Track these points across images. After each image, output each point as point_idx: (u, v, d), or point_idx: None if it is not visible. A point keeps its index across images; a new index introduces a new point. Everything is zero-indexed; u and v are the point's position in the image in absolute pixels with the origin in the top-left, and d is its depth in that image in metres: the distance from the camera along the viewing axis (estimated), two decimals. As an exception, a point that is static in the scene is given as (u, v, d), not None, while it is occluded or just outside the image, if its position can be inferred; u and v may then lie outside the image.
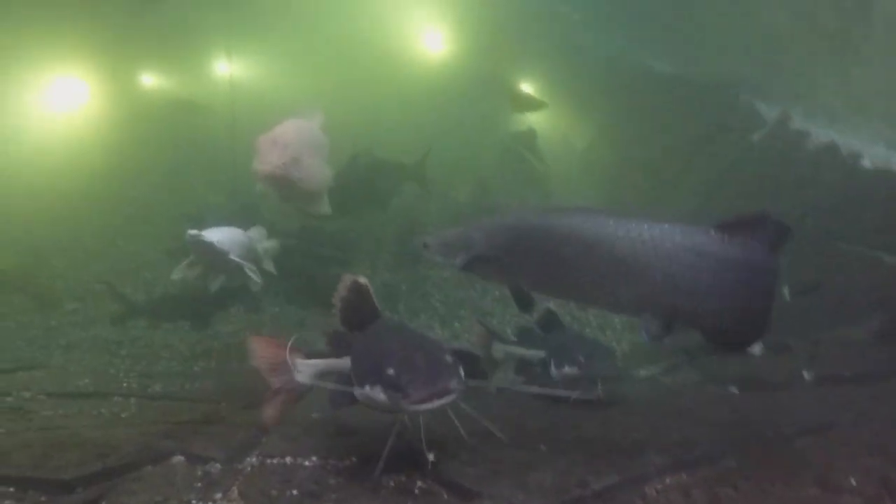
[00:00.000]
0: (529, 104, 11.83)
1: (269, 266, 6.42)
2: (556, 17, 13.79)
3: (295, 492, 3.16)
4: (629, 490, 3.15)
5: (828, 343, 5.34)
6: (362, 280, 3.56)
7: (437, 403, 2.85)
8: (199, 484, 3.39)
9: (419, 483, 3.20)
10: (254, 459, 3.66)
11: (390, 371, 2.90)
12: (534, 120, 12.71)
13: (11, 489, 3.37)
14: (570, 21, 13.72)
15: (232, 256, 5.62)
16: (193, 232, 5.34)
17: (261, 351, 3.72)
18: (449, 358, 3.01)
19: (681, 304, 3.25)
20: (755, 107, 8.82)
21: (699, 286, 3.18)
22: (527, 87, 12.35)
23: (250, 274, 5.89)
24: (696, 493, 3.02)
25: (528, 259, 3.58)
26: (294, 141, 5.09)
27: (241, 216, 6.38)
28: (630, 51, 12.20)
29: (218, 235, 5.57)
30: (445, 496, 3.11)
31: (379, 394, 2.94)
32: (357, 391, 3.14)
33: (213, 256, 5.53)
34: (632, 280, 3.25)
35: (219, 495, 3.23)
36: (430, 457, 3.58)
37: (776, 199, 7.16)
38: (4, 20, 11.23)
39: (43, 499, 3.28)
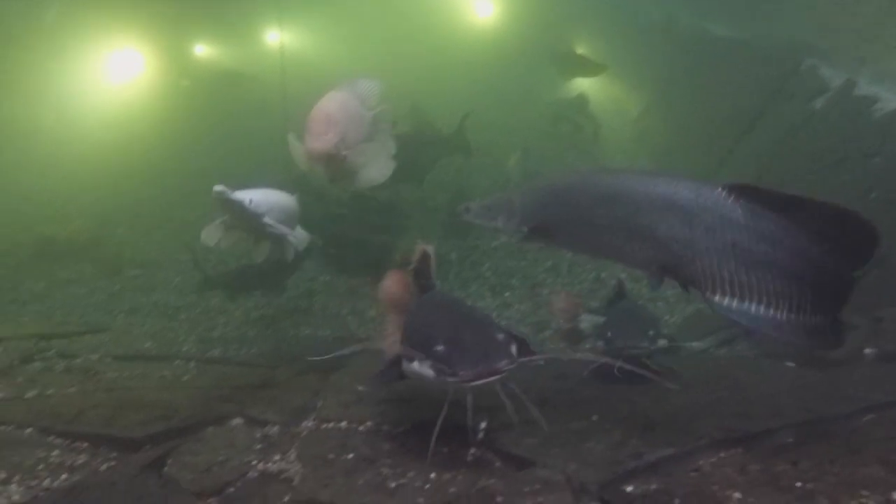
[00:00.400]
0: (586, 68, 11.53)
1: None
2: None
3: (351, 456, 3.24)
4: (684, 463, 3.13)
5: (891, 319, 5.16)
6: (428, 249, 3.60)
7: (485, 382, 2.80)
8: (259, 446, 3.52)
9: (472, 451, 3.24)
10: (310, 424, 3.77)
11: (440, 347, 2.86)
12: (585, 86, 12.46)
13: (86, 445, 3.57)
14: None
15: (268, 220, 5.08)
16: (220, 188, 4.71)
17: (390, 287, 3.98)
18: (500, 335, 2.97)
19: (679, 261, 3.28)
20: (818, 72, 8.44)
21: (696, 243, 3.18)
22: (582, 51, 12.00)
23: (292, 240, 5.38)
24: (752, 468, 2.98)
25: (560, 219, 3.76)
26: (343, 118, 4.72)
27: (292, 185, 6.14)
28: (686, 13, 11.80)
29: (253, 195, 4.99)
30: (498, 464, 3.15)
31: (427, 370, 2.90)
32: (405, 365, 3.10)
33: (245, 219, 4.99)
34: (641, 236, 3.35)
35: (277, 457, 3.35)
36: (482, 425, 3.63)
37: (840, 170, 6.87)
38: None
39: (114, 455, 3.46)
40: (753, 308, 3.15)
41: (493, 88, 12.87)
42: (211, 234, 5.12)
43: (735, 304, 3.18)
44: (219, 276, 7.18)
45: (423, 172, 7.77)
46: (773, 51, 9.10)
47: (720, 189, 3.14)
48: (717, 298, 3.19)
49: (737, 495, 2.77)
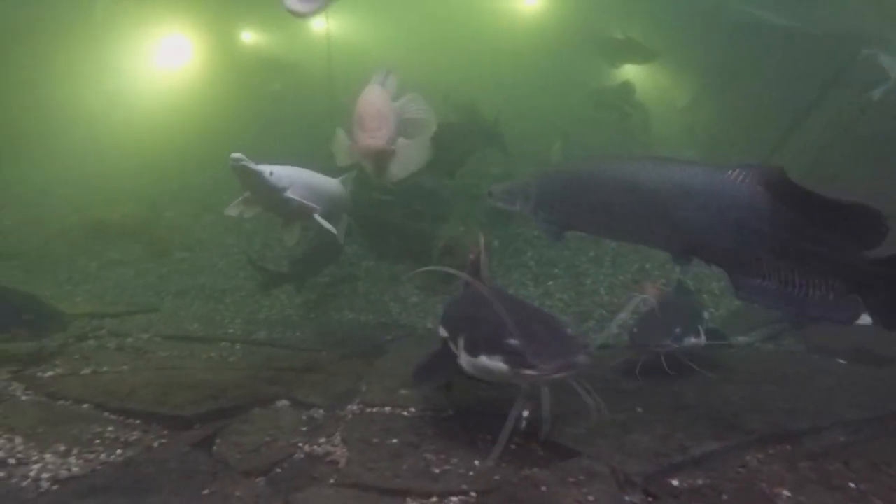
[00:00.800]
0: (637, 54, 11.28)
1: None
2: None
3: (395, 440, 3.28)
4: (730, 458, 3.09)
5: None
6: (475, 245, 3.55)
7: (563, 375, 2.73)
8: (304, 428, 3.58)
9: (516, 439, 3.25)
10: (355, 408, 3.82)
11: (512, 341, 2.76)
12: (630, 74, 12.25)
13: (138, 422, 3.68)
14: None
15: (290, 195, 4.79)
16: (236, 155, 4.47)
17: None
18: (568, 328, 2.93)
19: (696, 241, 3.40)
20: (877, 60, 8.16)
21: (709, 224, 3.28)
22: (632, 37, 11.72)
23: (320, 221, 5.07)
24: (802, 466, 2.93)
25: (576, 204, 3.90)
26: (390, 113, 4.64)
27: (338, 172, 6.09)
28: (737, 1, 11.49)
29: (276, 169, 4.75)
30: (541, 453, 3.15)
31: (500, 364, 2.80)
32: (466, 360, 3.00)
33: (265, 193, 4.74)
34: (660, 220, 3.45)
35: (323, 440, 3.41)
36: (525, 413, 3.62)
37: (897, 160, 6.65)
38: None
39: (165, 432, 3.56)
40: (772, 286, 3.20)
41: (538, 75, 12.77)
42: (233, 209, 5.00)
43: (756, 282, 3.24)
44: (281, 271, 7.23)
45: (454, 165, 7.63)
46: (828, 39, 8.83)
47: (733, 172, 3.19)
48: (736, 277, 3.30)
49: (786, 493, 2.73)
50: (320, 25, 13.57)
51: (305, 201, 4.88)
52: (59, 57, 11.89)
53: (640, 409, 3.69)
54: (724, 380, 4.19)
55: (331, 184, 5.41)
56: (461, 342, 3.08)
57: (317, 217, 5.06)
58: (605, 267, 7.38)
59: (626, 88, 11.21)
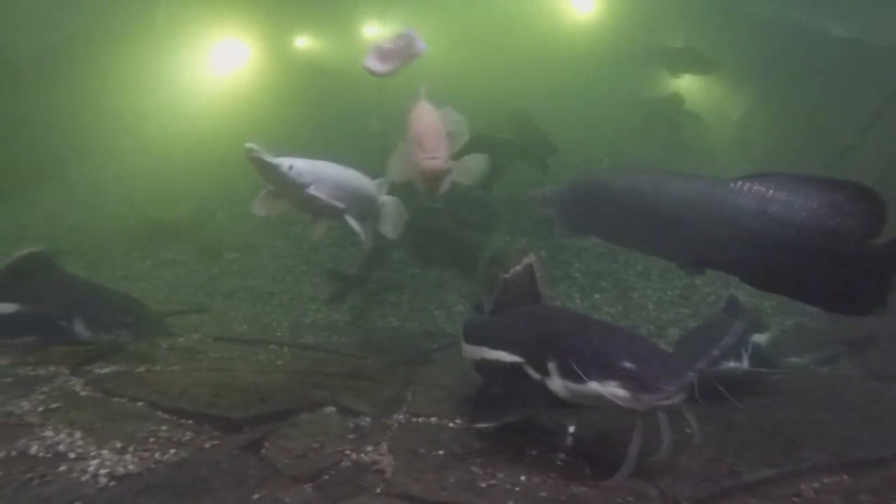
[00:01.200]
0: (698, 65, 11.09)
1: (388, 229, 5.42)
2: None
3: (441, 452, 3.28)
4: (784, 486, 3.02)
5: None
6: (532, 258, 3.47)
7: (680, 399, 2.64)
8: (352, 436, 3.61)
9: (562, 455, 3.22)
10: (401, 417, 3.84)
11: (627, 364, 2.65)
12: (683, 85, 12.06)
13: (190, 422, 3.76)
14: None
15: (313, 192, 4.60)
16: (251, 145, 4.33)
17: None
18: (668, 349, 2.90)
19: (703, 252, 3.53)
20: (946, 74, 7.89)
21: (714, 235, 3.38)
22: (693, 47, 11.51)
23: (351, 222, 4.88)
24: (862, 499, 2.83)
25: (594, 213, 4.10)
26: (444, 131, 4.50)
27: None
28: (798, 12, 11.23)
29: (297, 163, 4.57)
30: (588, 471, 3.12)
31: (615, 390, 2.67)
32: (566, 386, 2.85)
33: (286, 188, 4.61)
34: (665, 230, 3.60)
35: (370, 448, 3.43)
36: (571, 429, 3.60)
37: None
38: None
39: (216, 433, 3.63)
40: (781, 286, 3.36)
41: (590, 85, 12.69)
42: (258, 206, 4.88)
43: (764, 283, 3.40)
44: (350, 278, 7.32)
45: (491, 178, 7.33)
46: (893, 52, 8.55)
47: (736, 183, 3.30)
48: (747, 281, 3.42)
49: (845, 526, 2.65)
50: (374, 33, 13.84)
51: (332, 200, 4.69)
52: (119, 62, 12.35)
53: (689, 431, 3.61)
54: (778, 403, 4.09)
55: (363, 182, 5.17)
56: (553, 367, 2.91)
57: (348, 218, 4.90)
58: (653, 281, 7.27)
59: (675, 100, 11.07)
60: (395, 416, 3.86)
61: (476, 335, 3.69)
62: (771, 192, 3.20)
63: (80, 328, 4.50)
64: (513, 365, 3.15)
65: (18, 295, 4.71)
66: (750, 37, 12.09)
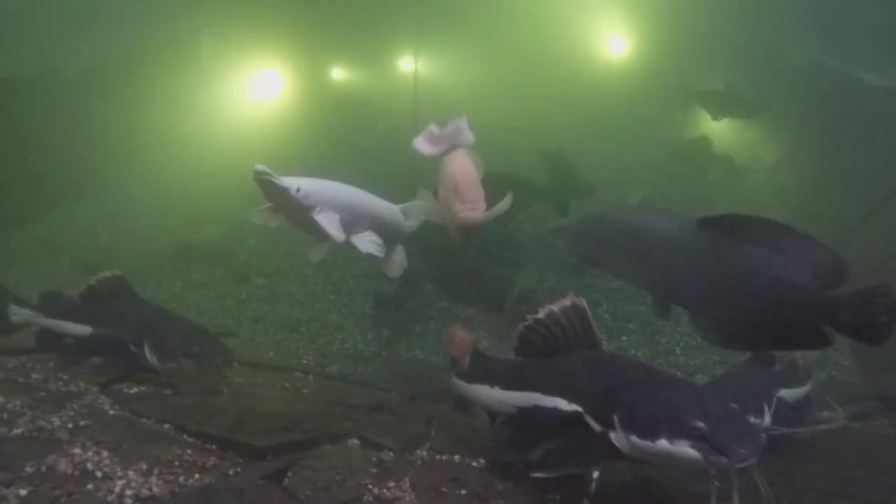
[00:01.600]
0: (740, 108, 11.01)
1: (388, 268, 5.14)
2: (747, 21, 13.05)
3: (463, 492, 3.25)
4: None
5: None
6: (580, 302, 3.28)
7: (753, 462, 2.54)
8: (374, 470, 3.59)
9: (586, 502, 3.17)
10: (424, 453, 3.82)
11: (700, 424, 2.54)
12: (715, 129, 12.03)
13: (214, 447, 3.77)
14: (762, 26, 12.93)
15: (319, 218, 4.29)
16: (260, 167, 4.11)
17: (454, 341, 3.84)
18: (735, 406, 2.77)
19: (669, 286, 3.90)
20: None
21: (677, 270, 3.73)
22: (734, 89, 11.44)
23: (358, 245, 4.54)
24: (897, 565, 2.74)
25: (594, 243, 4.42)
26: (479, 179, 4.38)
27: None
28: (835, 59, 11.21)
29: (305, 184, 4.27)
30: (613, 521, 3.07)
31: (686, 450, 2.57)
32: (633, 442, 2.73)
33: (291, 210, 4.34)
34: (642, 263, 4.01)
35: (392, 484, 3.40)
36: (595, 475, 3.54)
37: None
38: (218, 21, 12.71)
39: (240, 460, 3.64)
40: (728, 323, 3.56)
41: (625, 124, 12.76)
42: (259, 216, 4.56)
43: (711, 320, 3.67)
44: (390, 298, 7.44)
45: (505, 217, 7.35)
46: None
47: (701, 220, 3.59)
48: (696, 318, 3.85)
49: None
50: (408, 66, 14.13)
51: (329, 228, 4.31)
52: (162, 85, 12.74)
53: (717, 484, 3.54)
54: (809, 460, 3.99)
55: (382, 207, 4.84)
56: (618, 420, 2.80)
57: (357, 243, 4.56)
58: (682, 325, 7.19)
59: (703, 142, 11.03)
60: (417, 451, 3.84)
61: (495, 377, 3.58)
62: (726, 234, 3.45)
63: (148, 354, 4.56)
64: (570, 414, 3.02)
65: (94, 317, 4.84)
66: (785, 83, 12.08)
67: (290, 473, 3.44)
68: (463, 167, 4.35)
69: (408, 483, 3.39)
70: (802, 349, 3.86)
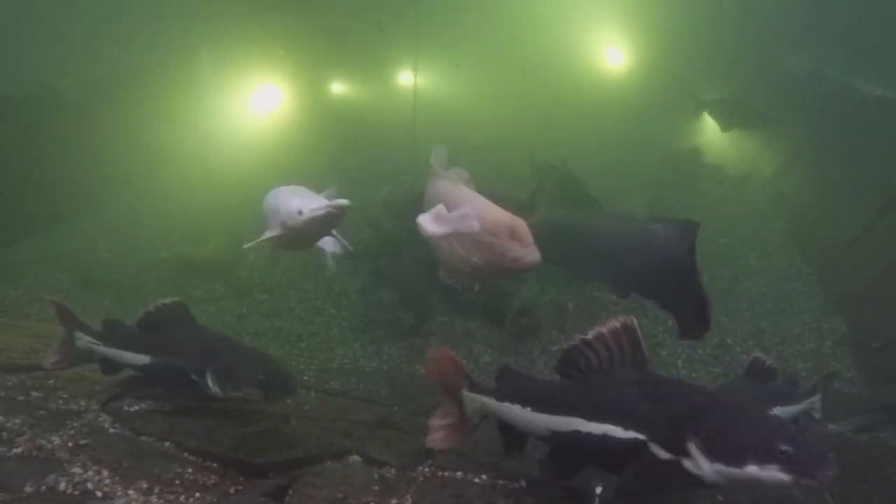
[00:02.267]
0: (749, 119, 10.97)
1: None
2: (747, 32, 13.14)
3: (466, 509, 3.22)
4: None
5: None
6: (630, 322, 3.09)
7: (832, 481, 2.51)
8: (376, 487, 3.56)
9: (590, 519, 3.14)
10: (426, 470, 3.79)
11: (786, 447, 2.50)
12: (714, 141, 12.05)
13: (215, 465, 3.75)
14: (761, 37, 13.02)
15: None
16: (345, 202, 4.48)
17: (435, 365, 3.62)
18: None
19: (634, 280, 5.03)
20: None
21: (642, 266, 4.84)
22: (742, 99, 11.40)
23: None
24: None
25: (553, 243, 4.66)
26: None
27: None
28: (833, 69, 11.25)
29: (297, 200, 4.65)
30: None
31: (776, 475, 2.52)
32: (717, 469, 2.62)
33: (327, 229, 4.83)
34: (601, 258, 5.21)
35: (394, 501, 3.38)
36: (598, 490, 3.51)
37: None
38: (225, 39, 12.87)
39: (241, 479, 3.61)
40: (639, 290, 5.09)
41: (622, 135, 12.80)
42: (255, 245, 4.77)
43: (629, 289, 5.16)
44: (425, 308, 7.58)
45: None
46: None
47: (659, 225, 4.79)
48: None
49: None
50: (407, 80, 14.26)
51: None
52: (163, 100, 12.82)
53: (720, 498, 3.52)
54: (815, 473, 3.94)
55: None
56: (696, 447, 2.68)
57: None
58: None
59: (695, 153, 11.09)
60: (420, 468, 3.81)
61: (527, 397, 3.37)
62: (638, 226, 4.99)
63: (211, 384, 4.29)
64: (627, 441, 2.87)
65: (152, 345, 4.56)
66: (784, 93, 12.12)
67: (291, 491, 3.42)
68: (495, 208, 4.13)
69: (410, 500, 3.37)
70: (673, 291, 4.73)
